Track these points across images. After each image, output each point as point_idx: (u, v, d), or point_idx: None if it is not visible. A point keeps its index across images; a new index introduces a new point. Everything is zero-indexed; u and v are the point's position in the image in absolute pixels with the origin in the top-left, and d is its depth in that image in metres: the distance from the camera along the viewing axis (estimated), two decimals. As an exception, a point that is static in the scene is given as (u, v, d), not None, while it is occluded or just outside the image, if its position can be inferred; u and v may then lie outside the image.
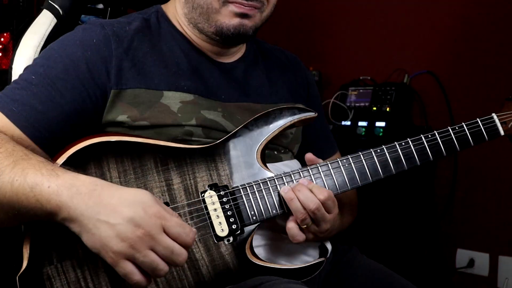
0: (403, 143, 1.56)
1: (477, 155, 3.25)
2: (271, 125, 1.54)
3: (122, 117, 1.49)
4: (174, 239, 1.21)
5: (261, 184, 1.48)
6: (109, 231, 1.17)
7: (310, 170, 1.51)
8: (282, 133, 1.61)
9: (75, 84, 1.45)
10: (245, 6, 1.55)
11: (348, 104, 3.53)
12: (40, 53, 1.69)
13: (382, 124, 3.32)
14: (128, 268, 1.18)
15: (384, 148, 1.55)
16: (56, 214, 1.20)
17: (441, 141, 1.59)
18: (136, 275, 1.18)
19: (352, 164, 1.53)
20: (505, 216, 3.20)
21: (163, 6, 1.70)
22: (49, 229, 1.28)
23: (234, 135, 1.52)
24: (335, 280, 1.70)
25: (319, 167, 1.52)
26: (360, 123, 3.40)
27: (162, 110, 1.51)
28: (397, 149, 1.55)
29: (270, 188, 1.48)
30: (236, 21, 1.56)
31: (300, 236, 1.45)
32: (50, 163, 1.27)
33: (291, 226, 1.45)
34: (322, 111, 1.93)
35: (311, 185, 1.45)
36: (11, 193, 1.22)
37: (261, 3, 1.57)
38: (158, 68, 1.55)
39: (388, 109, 3.36)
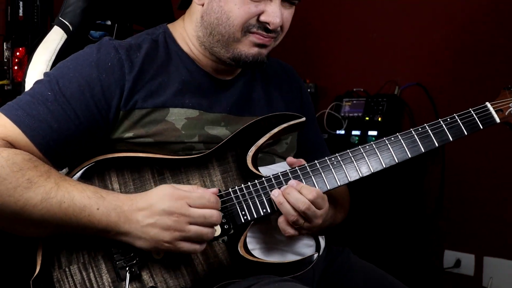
0: (392, 138, 1.54)
1: (464, 163, 3.27)
2: (261, 133, 1.54)
3: (128, 134, 1.49)
4: (201, 208, 1.34)
5: (250, 186, 1.47)
6: (154, 229, 1.31)
7: (298, 170, 1.50)
8: (276, 142, 1.62)
9: (89, 105, 1.44)
10: (265, 38, 1.54)
11: (342, 114, 3.53)
12: (51, 67, 1.68)
13: (374, 133, 3.32)
14: (184, 246, 1.33)
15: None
16: (107, 231, 1.33)
17: (432, 133, 1.54)
18: (192, 246, 1.34)
19: (342, 161, 1.51)
20: (490, 220, 3.20)
21: (170, 26, 1.67)
22: (59, 238, 1.38)
23: (226, 144, 1.53)
24: (330, 280, 1.68)
25: (307, 166, 1.51)
26: (354, 132, 3.41)
27: (167, 127, 1.51)
28: (387, 144, 1.53)
29: (260, 189, 1.47)
30: (255, 50, 1.54)
31: (291, 230, 1.44)
32: (89, 185, 1.37)
33: (281, 220, 1.44)
34: (315, 119, 1.92)
35: (299, 186, 1.44)
36: (60, 213, 1.30)
37: (277, 33, 1.55)
38: (164, 88, 1.54)
39: (380, 119, 3.37)
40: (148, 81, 1.52)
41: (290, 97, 1.80)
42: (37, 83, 1.48)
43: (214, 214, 1.35)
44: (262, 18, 1.49)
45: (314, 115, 1.94)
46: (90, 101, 1.44)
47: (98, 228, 1.31)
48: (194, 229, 1.32)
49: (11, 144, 1.37)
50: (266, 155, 1.63)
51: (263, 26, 1.51)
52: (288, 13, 1.57)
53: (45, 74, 1.51)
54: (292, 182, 1.45)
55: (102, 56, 1.49)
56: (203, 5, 1.54)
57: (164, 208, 1.30)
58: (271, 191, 1.47)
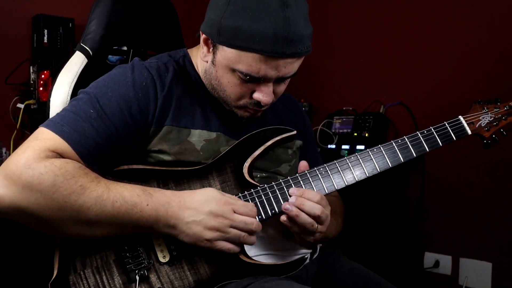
0: (375, 149, 1.52)
1: (442, 174, 3.26)
2: (256, 145, 1.52)
3: (154, 148, 1.47)
4: (243, 215, 1.36)
5: (247, 194, 1.45)
6: (198, 227, 1.32)
7: (290, 179, 1.48)
8: (279, 164, 1.62)
9: (128, 122, 1.41)
10: (257, 111, 1.53)
11: (333, 131, 3.53)
12: (73, 88, 1.67)
13: (362, 147, 3.32)
14: (221, 245, 1.34)
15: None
16: (156, 224, 1.32)
17: (410, 144, 1.53)
18: (228, 245, 1.35)
19: (329, 171, 1.50)
20: (465, 225, 3.19)
21: (190, 51, 1.64)
22: (74, 244, 1.36)
23: (225, 156, 1.50)
24: (323, 279, 1.66)
25: (298, 177, 1.49)
26: (344, 147, 3.41)
27: (188, 147, 1.48)
28: (370, 155, 1.51)
29: (256, 197, 1.45)
30: (249, 113, 1.54)
31: (307, 237, 1.44)
32: (135, 185, 1.35)
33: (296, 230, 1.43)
34: (314, 143, 1.91)
35: (300, 192, 1.43)
36: (113, 212, 1.28)
37: (272, 103, 1.52)
38: (188, 109, 1.51)
39: (367, 135, 3.37)
40: (174, 101, 1.49)
41: (296, 125, 1.77)
42: (77, 100, 1.42)
43: (254, 222, 1.36)
44: (255, 96, 1.46)
45: (314, 140, 1.93)
46: (129, 119, 1.41)
47: (149, 221, 1.31)
48: (234, 231, 1.34)
49: (60, 156, 1.33)
50: (272, 175, 1.61)
51: (256, 102, 1.48)
52: (281, 86, 1.53)
53: (83, 92, 1.45)
54: (294, 190, 1.44)
55: (136, 76, 1.46)
56: (207, 62, 1.51)
57: (211, 210, 1.32)
58: (267, 200, 1.45)
